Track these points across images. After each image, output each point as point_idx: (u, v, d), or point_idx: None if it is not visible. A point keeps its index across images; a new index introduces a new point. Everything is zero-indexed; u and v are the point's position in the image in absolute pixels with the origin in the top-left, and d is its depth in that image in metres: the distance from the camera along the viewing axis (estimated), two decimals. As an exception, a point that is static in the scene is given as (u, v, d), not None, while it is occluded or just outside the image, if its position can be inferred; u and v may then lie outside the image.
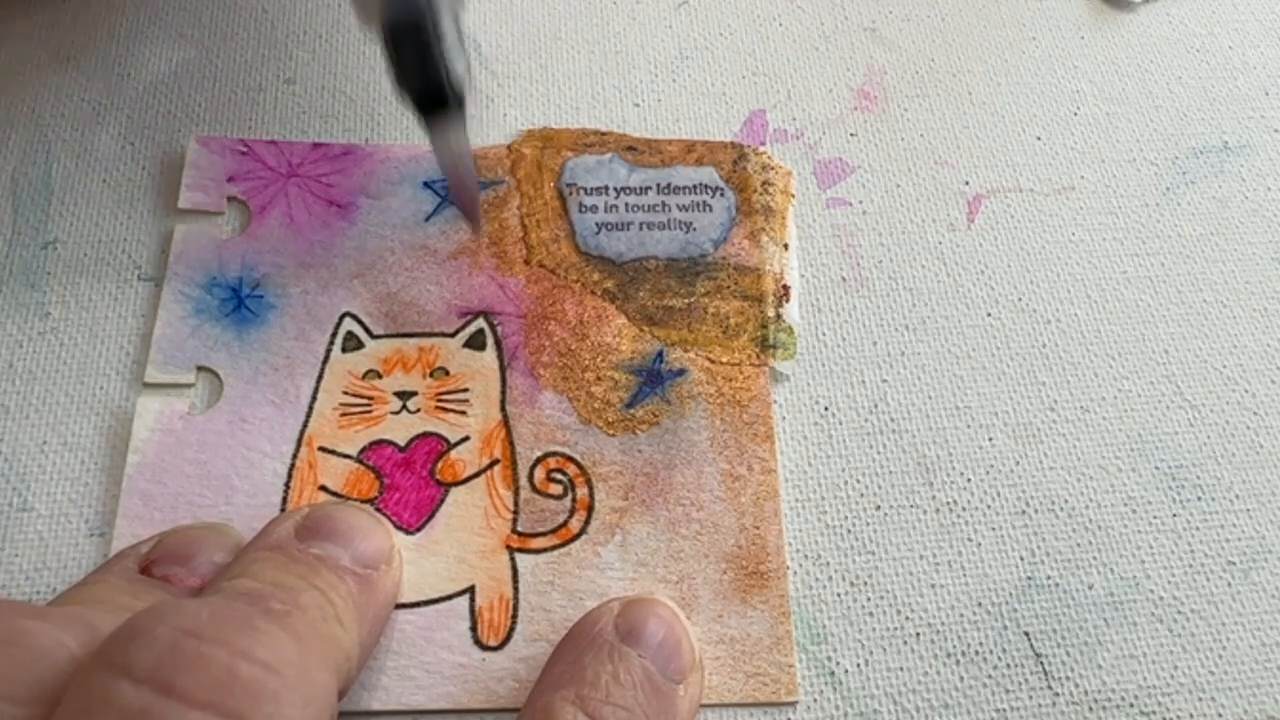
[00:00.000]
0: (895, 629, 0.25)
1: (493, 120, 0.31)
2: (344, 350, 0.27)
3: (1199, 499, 0.27)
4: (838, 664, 0.24)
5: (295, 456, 0.25)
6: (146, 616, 0.17)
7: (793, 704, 0.24)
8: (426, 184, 0.29)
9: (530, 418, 0.26)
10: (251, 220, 0.28)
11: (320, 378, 0.26)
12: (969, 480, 0.27)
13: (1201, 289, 0.30)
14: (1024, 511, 0.26)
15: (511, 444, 0.26)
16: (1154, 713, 0.24)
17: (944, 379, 0.28)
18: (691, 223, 0.29)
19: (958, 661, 0.25)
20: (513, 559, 0.25)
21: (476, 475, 0.26)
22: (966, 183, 0.31)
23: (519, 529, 0.25)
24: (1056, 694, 0.24)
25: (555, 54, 0.32)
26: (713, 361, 0.27)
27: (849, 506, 0.26)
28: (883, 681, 0.24)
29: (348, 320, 0.27)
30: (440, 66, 0.22)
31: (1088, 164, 0.32)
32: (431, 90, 0.23)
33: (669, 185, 0.30)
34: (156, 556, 0.22)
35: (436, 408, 0.26)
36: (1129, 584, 0.26)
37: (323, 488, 0.25)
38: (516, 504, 0.25)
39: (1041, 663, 0.25)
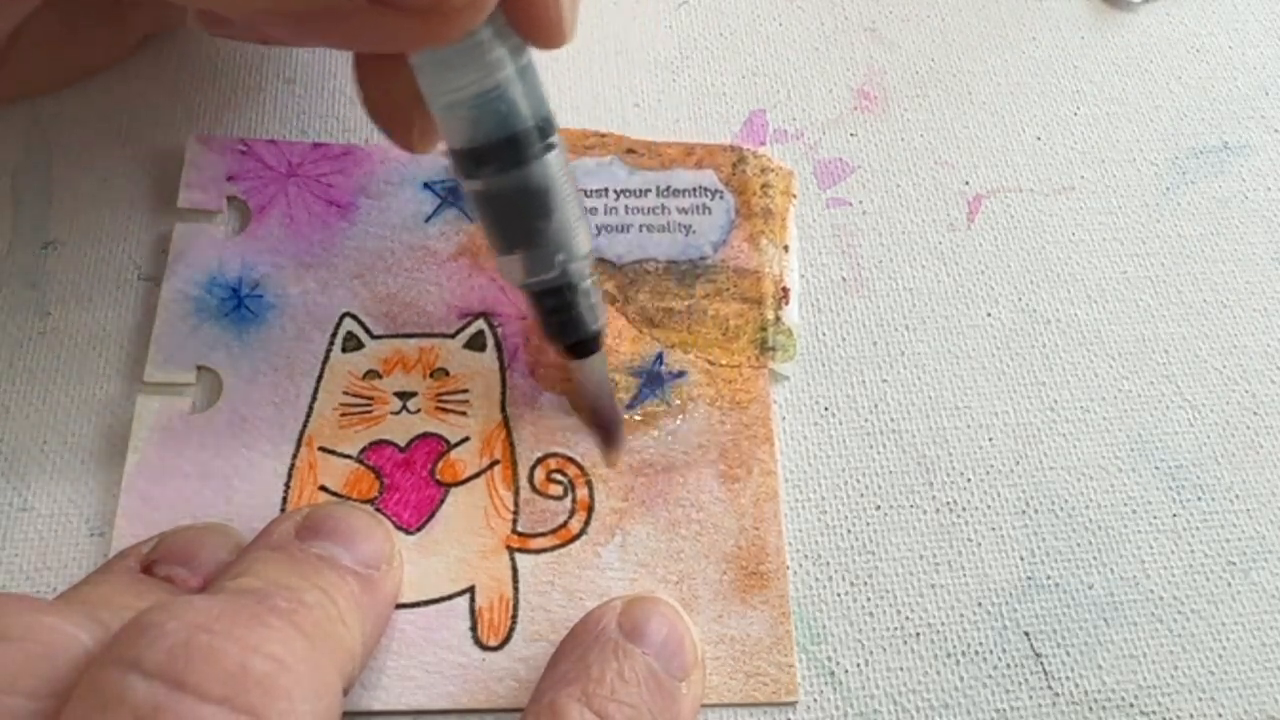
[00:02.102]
0: (895, 629, 0.25)
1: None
2: (344, 350, 0.27)
3: (1199, 499, 0.27)
4: (838, 664, 0.24)
5: (295, 456, 0.25)
6: (157, 612, 0.17)
7: (793, 704, 0.24)
8: (426, 185, 0.29)
9: (530, 419, 0.26)
10: (251, 220, 0.28)
11: (320, 378, 0.26)
12: (969, 480, 0.27)
13: (1201, 289, 0.30)
14: (1024, 511, 0.26)
15: (511, 445, 0.26)
16: (1154, 713, 0.24)
17: (944, 379, 0.28)
18: (691, 225, 0.29)
19: (958, 661, 0.25)
20: (513, 559, 0.25)
21: (476, 475, 0.26)
22: (966, 183, 0.31)
23: (519, 529, 0.25)
24: (1056, 694, 0.24)
25: (555, 54, 0.32)
26: (712, 363, 0.27)
27: (849, 506, 0.26)
28: (883, 681, 0.24)
29: (348, 320, 0.27)
30: (583, 322, 0.24)
31: (1088, 164, 0.32)
32: (577, 343, 0.25)
33: (668, 188, 0.30)
34: (158, 556, 0.22)
35: (436, 408, 0.26)
36: (1129, 584, 0.26)
37: (323, 488, 0.25)
38: (516, 504, 0.25)
39: (1041, 663, 0.25)
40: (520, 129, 0.22)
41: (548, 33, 0.22)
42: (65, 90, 0.30)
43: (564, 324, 0.24)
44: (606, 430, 0.26)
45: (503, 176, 0.22)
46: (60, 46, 0.28)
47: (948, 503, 0.26)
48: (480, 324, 0.27)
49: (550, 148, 0.23)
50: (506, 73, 0.22)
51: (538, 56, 0.22)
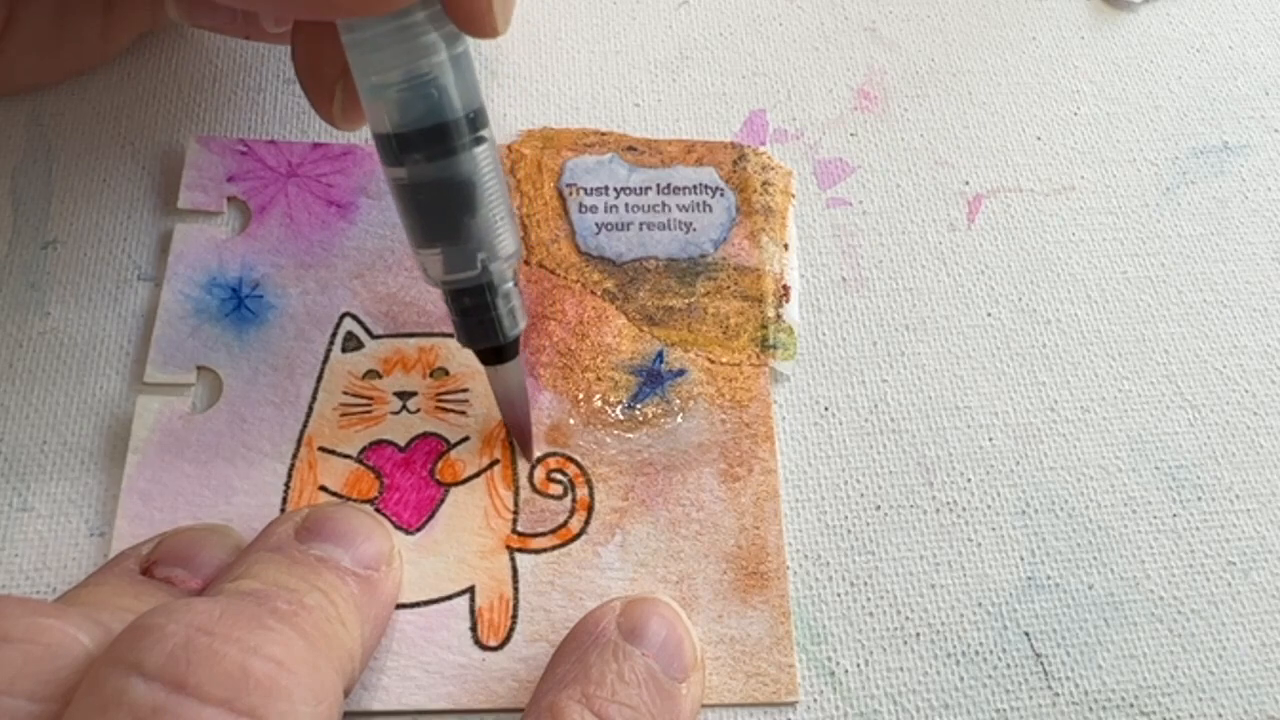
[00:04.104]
0: (895, 629, 0.25)
1: (493, 120, 0.31)
2: (344, 350, 0.27)
3: (1199, 499, 0.27)
4: (838, 664, 0.24)
5: (295, 456, 0.25)
6: (158, 614, 0.17)
7: (793, 704, 0.24)
8: (426, 184, 0.29)
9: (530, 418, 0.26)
10: (251, 220, 0.28)
11: (320, 378, 0.26)
12: (969, 480, 0.27)
13: (1201, 289, 0.30)
14: (1024, 511, 0.26)
15: (511, 444, 0.26)
16: (1154, 713, 0.24)
17: (944, 379, 0.28)
18: (691, 223, 0.29)
19: (958, 661, 0.25)
20: (513, 559, 0.25)
21: (476, 475, 0.26)
22: (966, 183, 0.31)
23: (519, 529, 0.25)
24: (1056, 694, 0.24)
25: (555, 54, 0.32)
26: (713, 362, 0.27)
27: (849, 506, 0.26)
28: (883, 681, 0.24)
29: (348, 320, 0.27)
30: (499, 328, 0.24)
31: (1088, 164, 0.32)
32: (491, 349, 0.24)
33: (669, 185, 0.30)
34: (158, 558, 0.22)
35: (436, 408, 0.26)
36: (1129, 584, 0.26)
37: (323, 488, 0.25)
38: (516, 504, 0.25)
39: (1041, 663, 0.25)
40: (450, 118, 0.22)
41: (476, 22, 0.21)
42: (65, 91, 0.30)
43: (480, 327, 0.24)
44: (517, 437, 0.26)
45: (428, 166, 0.22)
46: (52, 42, 0.28)
47: (948, 503, 0.26)
48: (480, 324, 0.27)
49: (480, 141, 0.22)
50: (438, 58, 0.21)
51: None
